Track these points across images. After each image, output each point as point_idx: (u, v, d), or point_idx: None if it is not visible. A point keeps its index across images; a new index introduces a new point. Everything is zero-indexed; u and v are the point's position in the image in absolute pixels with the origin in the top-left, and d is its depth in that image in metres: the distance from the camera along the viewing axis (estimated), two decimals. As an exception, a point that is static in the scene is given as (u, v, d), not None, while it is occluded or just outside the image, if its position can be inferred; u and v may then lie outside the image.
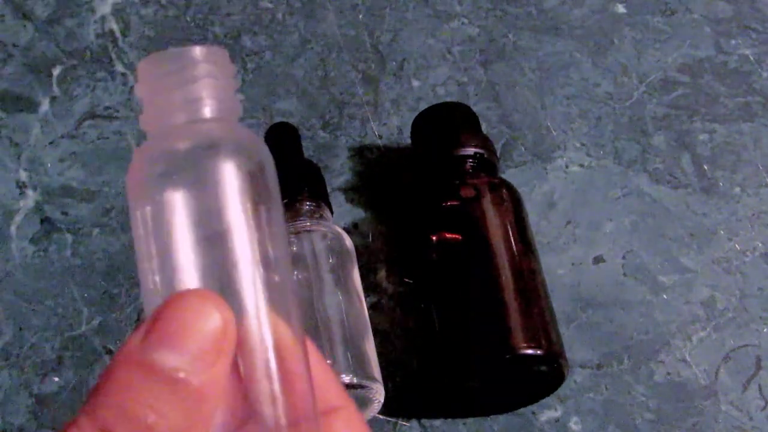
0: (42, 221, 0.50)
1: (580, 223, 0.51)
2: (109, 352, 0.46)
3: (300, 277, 0.42)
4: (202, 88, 0.20)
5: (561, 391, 0.44)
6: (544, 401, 0.44)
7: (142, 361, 0.17)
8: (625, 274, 0.49)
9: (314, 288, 0.42)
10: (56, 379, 0.45)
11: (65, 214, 0.50)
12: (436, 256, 0.45)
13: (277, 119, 0.53)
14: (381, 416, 0.44)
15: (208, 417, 0.17)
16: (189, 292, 0.18)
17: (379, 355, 0.43)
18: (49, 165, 0.52)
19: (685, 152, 0.54)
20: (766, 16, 0.59)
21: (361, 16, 0.58)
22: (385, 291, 0.48)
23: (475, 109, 0.50)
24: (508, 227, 0.44)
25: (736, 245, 0.51)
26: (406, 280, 0.48)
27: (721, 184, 0.53)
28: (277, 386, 0.19)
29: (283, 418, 0.18)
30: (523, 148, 0.54)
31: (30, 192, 0.51)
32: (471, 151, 0.47)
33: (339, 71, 0.56)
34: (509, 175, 0.52)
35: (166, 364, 0.17)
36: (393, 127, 0.54)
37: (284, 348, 0.19)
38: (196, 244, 0.19)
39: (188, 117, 0.20)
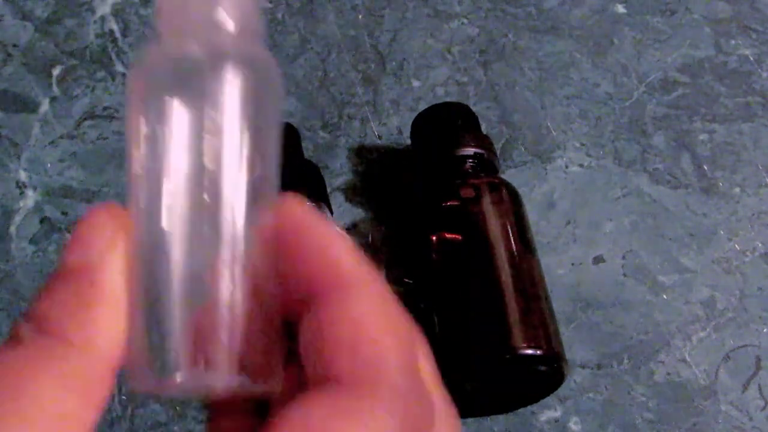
0: (42, 221, 0.50)
1: (579, 223, 0.51)
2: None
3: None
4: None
5: (561, 391, 0.44)
6: (544, 401, 0.44)
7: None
8: (625, 275, 0.49)
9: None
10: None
11: (65, 214, 0.50)
12: (436, 256, 0.44)
13: (277, 119, 0.53)
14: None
15: (101, 300, 0.19)
16: (96, 209, 0.20)
17: (379, 355, 0.43)
18: (48, 165, 0.52)
19: (685, 152, 0.54)
20: (766, 16, 0.59)
21: (360, 17, 0.58)
22: (385, 291, 0.48)
23: (475, 109, 0.50)
24: (508, 227, 0.44)
25: (736, 245, 0.51)
26: (406, 280, 0.48)
27: (720, 184, 0.53)
28: (238, 271, 0.19)
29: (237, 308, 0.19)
30: (522, 148, 0.53)
31: (30, 192, 0.51)
32: (471, 151, 0.47)
33: (339, 71, 0.56)
34: (509, 175, 0.52)
35: (65, 261, 0.19)
36: (393, 127, 0.54)
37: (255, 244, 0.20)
38: (188, 142, 0.20)
39: (205, 24, 0.21)
